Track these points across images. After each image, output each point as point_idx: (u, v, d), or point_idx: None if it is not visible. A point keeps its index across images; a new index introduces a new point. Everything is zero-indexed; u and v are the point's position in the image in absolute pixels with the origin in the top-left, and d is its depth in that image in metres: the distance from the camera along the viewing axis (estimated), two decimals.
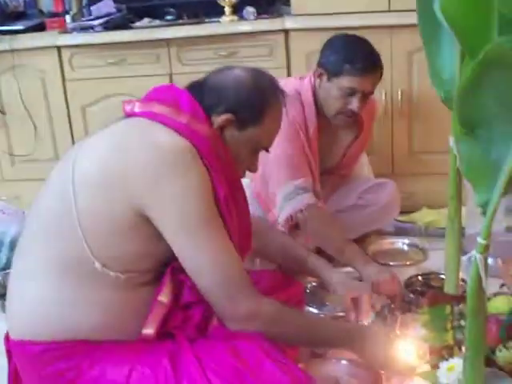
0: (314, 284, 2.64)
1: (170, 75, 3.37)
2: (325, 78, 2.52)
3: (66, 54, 3.40)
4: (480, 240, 1.31)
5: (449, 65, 1.82)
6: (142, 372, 1.52)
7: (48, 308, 1.55)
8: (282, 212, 2.50)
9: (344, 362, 2.01)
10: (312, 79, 2.60)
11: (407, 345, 1.94)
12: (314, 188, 2.54)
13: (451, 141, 1.75)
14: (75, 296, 1.55)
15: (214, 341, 1.61)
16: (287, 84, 2.58)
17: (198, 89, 1.67)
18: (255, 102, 1.66)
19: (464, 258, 1.42)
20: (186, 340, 1.59)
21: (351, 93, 2.48)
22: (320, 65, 2.55)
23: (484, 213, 1.31)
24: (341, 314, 2.33)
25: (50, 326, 1.55)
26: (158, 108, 1.61)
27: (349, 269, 2.39)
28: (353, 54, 2.46)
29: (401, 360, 1.85)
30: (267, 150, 1.78)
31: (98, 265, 1.52)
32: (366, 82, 2.48)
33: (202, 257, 1.54)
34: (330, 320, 1.93)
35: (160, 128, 1.56)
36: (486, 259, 1.33)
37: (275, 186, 2.54)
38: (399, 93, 3.25)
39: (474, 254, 1.32)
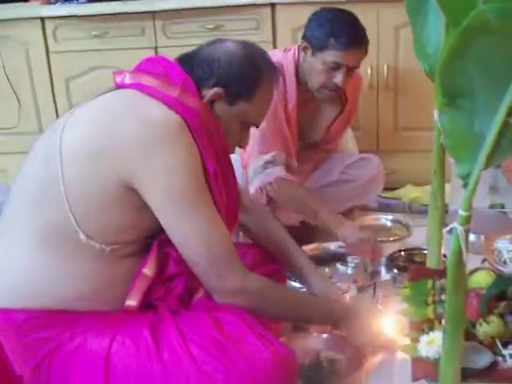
0: None
1: (156, 48, 3.33)
2: (309, 51, 2.51)
3: (49, 25, 3.34)
4: (461, 212, 1.31)
5: (434, 38, 1.82)
6: (123, 342, 1.52)
7: (31, 277, 1.55)
8: (251, 186, 2.50)
9: (325, 336, 2.02)
10: (296, 52, 2.58)
11: (389, 320, 1.96)
12: (288, 163, 2.53)
13: (436, 114, 1.75)
14: (58, 266, 1.54)
15: (196, 312, 1.61)
16: (271, 56, 2.57)
17: (188, 61, 1.65)
18: (247, 76, 1.64)
19: (445, 230, 1.41)
20: (168, 312, 1.60)
21: (335, 67, 2.47)
22: (305, 38, 2.53)
23: (465, 185, 1.31)
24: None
25: (32, 295, 1.54)
26: (147, 80, 1.59)
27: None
28: (338, 29, 2.44)
29: (385, 336, 1.87)
30: (257, 126, 1.77)
31: (82, 236, 1.51)
32: (350, 56, 2.46)
33: (190, 231, 1.53)
34: (318, 297, 1.91)
35: (150, 101, 1.55)
36: (467, 231, 1.32)
37: (247, 160, 2.53)
38: (385, 68, 3.23)
39: (455, 225, 1.32)
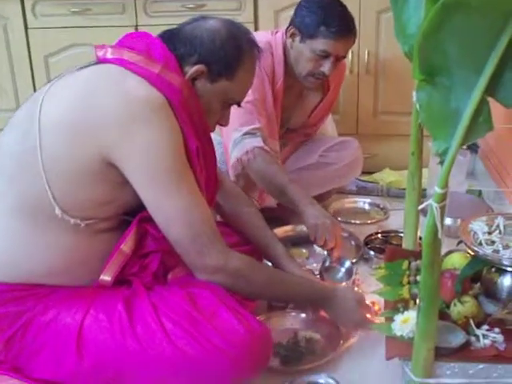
0: None
1: (136, 27, 3.29)
2: (298, 38, 2.49)
3: (28, 1, 3.30)
4: (437, 189, 1.32)
5: (414, 19, 1.81)
6: (97, 316, 1.52)
7: (4, 248, 1.54)
8: (231, 159, 2.45)
9: (303, 315, 2.04)
10: (284, 36, 2.56)
11: (366, 301, 1.98)
12: (271, 146, 2.46)
13: (414, 96, 1.75)
14: (32, 239, 1.53)
15: (171, 288, 1.62)
16: (259, 35, 2.55)
17: (171, 38, 1.64)
18: (229, 54, 1.63)
19: (420, 207, 1.42)
20: (143, 287, 1.60)
21: (324, 56, 2.46)
22: (294, 24, 2.51)
23: (442, 162, 1.31)
24: (306, 267, 2.35)
25: (4, 268, 1.54)
26: (129, 55, 1.58)
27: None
28: (329, 17, 2.42)
29: (368, 318, 1.88)
30: (238, 105, 1.76)
31: (58, 211, 1.50)
32: (340, 45, 2.46)
33: (172, 208, 1.53)
34: (302, 278, 1.91)
35: (132, 77, 1.54)
36: (442, 208, 1.33)
37: (228, 135, 2.46)
38: (366, 53, 3.23)
39: (431, 202, 1.32)
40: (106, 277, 1.59)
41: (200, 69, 1.61)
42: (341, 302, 1.85)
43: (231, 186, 2.06)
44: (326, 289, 1.89)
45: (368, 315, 1.89)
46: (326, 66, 2.48)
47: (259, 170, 2.37)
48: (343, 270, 2.26)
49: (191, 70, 1.60)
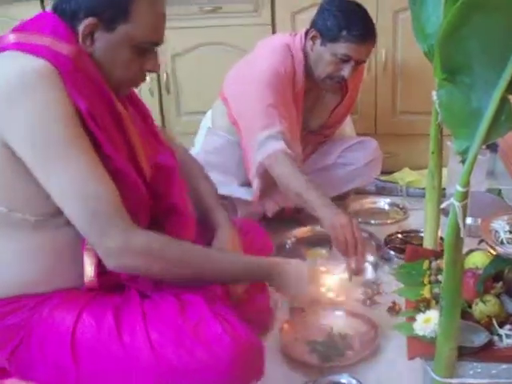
0: (293, 240, 2.67)
1: None
2: (318, 41, 2.49)
3: (49, 5, 3.31)
4: (458, 188, 1.31)
5: (433, 19, 1.81)
6: (88, 322, 1.48)
7: None
8: (254, 163, 2.43)
9: (337, 312, 2.11)
10: (303, 38, 2.56)
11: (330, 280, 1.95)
12: (293, 148, 2.43)
13: (434, 95, 1.75)
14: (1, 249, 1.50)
15: (165, 295, 1.55)
16: (279, 38, 2.58)
17: (61, 4, 1.52)
18: None
19: (442, 206, 1.42)
20: (137, 293, 1.55)
21: (345, 59, 2.46)
22: (315, 27, 2.51)
23: (463, 161, 1.31)
24: (322, 268, 2.36)
25: None
26: (19, 37, 1.48)
27: None
28: (351, 21, 2.43)
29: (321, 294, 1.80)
30: (155, 44, 1.58)
31: (2, 209, 1.45)
32: (361, 50, 2.47)
33: (64, 184, 1.41)
34: (237, 253, 1.75)
35: (16, 56, 1.44)
36: (464, 207, 1.33)
37: (250, 137, 2.45)
38: (383, 52, 3.23)
39: (453, 201, 1.32)
40: (89, 278, 1.53)
41: (90, 22, 1.48)
42: (292, 276, 1.67)
43: (188, 158, 1.94)
44: (271, 263, 1.68)
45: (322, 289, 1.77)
46: (345, 70, 2.49)
47: (279, 174, 2.34)
48: (369, 266, 2.29)
49: (81, 28, 1.48)
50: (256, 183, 2.49)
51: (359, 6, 2.50)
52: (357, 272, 2.10)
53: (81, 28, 1.47)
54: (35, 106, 1.38)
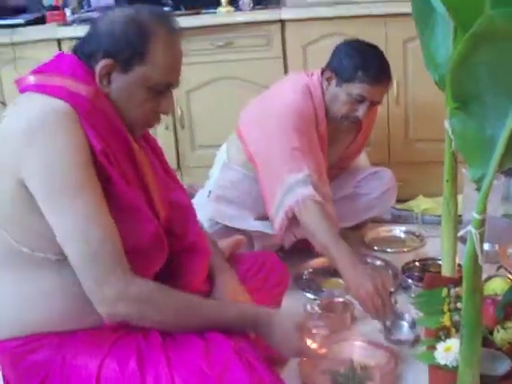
0: (310, 270, 2.68)
1: None
2: (334, 81, 2.52)
3: (65, 46, 3.36)
4: (475, 215, 1.32)
5: (443, 49, 1.84)
6: (111, 367, 1.47)
7: (2, 304, 1.53)
8: (281, 205, 2.43)
9: (358, 343, 2.11)
10: (320, 78, 2.59)
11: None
12: (321, 189, 2.44)
13: (446, 123, 1.76)
14: (19, 287, 1.51)
15: (189, 336, 1.53)
16: (299, 79, 2.60)
17: (81, 45, 1.56)
18: (132, 37, 1.51)
19: (459, 234, 1.42)
20: (159, 335, 1.53)
21: (360, 100, 2.49)
22: (330, 68, 2.54)
23: (478, 188, 1.32)
24: (339, 299, 2.36)
25: (12, 324, 1.53)
26: (36, 79, 1.52)
27: None
28: (367, 62, 2.46)
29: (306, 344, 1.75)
30: (171, 87, 1.60)
31: (26, 250, 1.47)
32: (376, 91, 2.49)
33: (68, 227, 1.42)
34: (229, 302, 1.73)
35: (36, 98, 1.48)
36: (481, 234, 1.33)
37: (275, 180, 2.45)
38: (395, 82, 3.25)
39: (470, 228, 1.33)
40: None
41: (107, 63, 1.50)
42: (277, 328, 1.62)
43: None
44: (259, 314, 1.63)
45: (309, 341, 1.68)
46: (360, 111, 2.50)
47: (307, 222, 2.34)
48: (405, 323, 2.23)
49: (98, 68, 1.51)
50: (280, 223, 2.46)
51: (375, 47, 2.53)
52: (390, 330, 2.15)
53: (98, 68, 1.50)
54: (54, 149, 1.41)
